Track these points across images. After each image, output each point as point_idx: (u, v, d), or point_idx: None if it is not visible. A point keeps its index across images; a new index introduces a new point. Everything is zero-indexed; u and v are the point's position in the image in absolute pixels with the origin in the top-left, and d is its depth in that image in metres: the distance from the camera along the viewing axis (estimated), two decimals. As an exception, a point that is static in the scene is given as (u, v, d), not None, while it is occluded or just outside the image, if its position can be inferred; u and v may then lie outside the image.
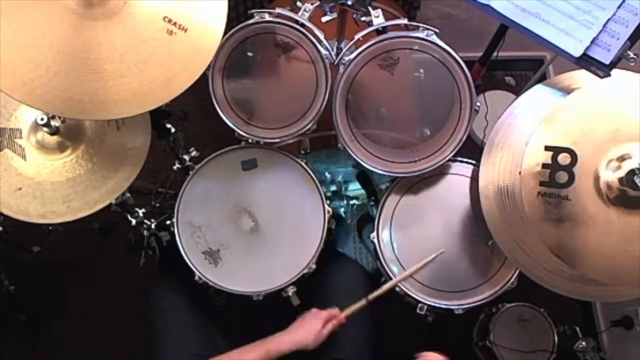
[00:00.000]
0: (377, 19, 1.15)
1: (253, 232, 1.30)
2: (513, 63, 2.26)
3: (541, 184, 1.00)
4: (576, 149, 1.00)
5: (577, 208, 1.00)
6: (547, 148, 1.00)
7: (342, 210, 1.83)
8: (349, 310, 1.19)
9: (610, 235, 0.99)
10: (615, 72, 1.08)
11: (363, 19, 1.16)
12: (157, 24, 1.00)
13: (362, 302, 1.20)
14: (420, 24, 1.14)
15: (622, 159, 0.99)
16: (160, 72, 1.01)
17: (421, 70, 1.21)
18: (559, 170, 1.00)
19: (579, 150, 1.00)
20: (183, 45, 1.02)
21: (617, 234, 0.99)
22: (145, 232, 1.47)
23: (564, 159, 1.00)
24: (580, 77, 1.19)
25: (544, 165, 1.00)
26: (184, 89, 1.03)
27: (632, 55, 1.07)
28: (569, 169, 1.00)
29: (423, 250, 1.29)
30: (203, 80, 1.15)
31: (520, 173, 1.02)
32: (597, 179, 1.00)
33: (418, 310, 1.27)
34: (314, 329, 1.13)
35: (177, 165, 1.46)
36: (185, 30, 1.01)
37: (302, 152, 1.39)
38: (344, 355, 1.24)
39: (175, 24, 1.01)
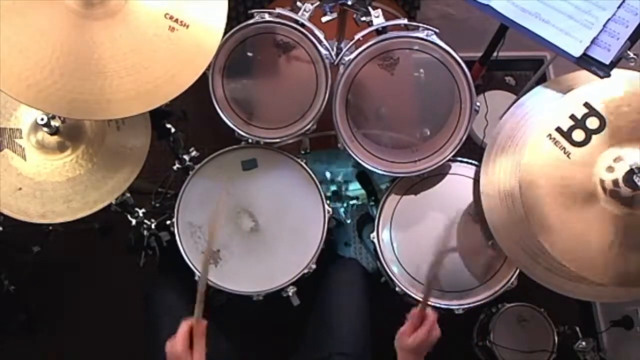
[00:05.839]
0: (377, 19, 1.15)
1: (253, 232, 1.30)
2: (513, 63, 2.26)
3: (557, 129, 1.00)
4: (608, 121, 0.99)
5: (570, 167, 0.99)
6: (586, 105, 0.99)
7: (342, 210, 1.83)
8: (197, 310, 0.98)
9: (583, 215, 0.99)
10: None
11: (363, 19, 1.16)
12: (158, 21, 1.00)
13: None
14: (420, 24, 1.14)
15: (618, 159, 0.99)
16: (164, 69, 1.01)
17: (421, 70, 1.21)
18: (580, 128, 0.99)
19: (610, 123, 0.99)
20: (185, 41, 1.02)
21: (595, 218, 0.99)
22: (145, 232, 1.47)
23: (592, 122, 0.99)
24: (583, 78, 1.19)
25: (572, 116, 0.99)
26: (189, 84, 1.02)
27: (632, 55, 1.07)
28: (589, 133, 0.99)
29: (423, 250, 1.29)
30: (203, 80, 1.15)
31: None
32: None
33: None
34: None
35: (177, 165, 1.46)
36: (187, 27, 1.01)
37: (302, 152, 1.39)
38: (345, 350, 1.24)
39: (176, 20, 1.01)
